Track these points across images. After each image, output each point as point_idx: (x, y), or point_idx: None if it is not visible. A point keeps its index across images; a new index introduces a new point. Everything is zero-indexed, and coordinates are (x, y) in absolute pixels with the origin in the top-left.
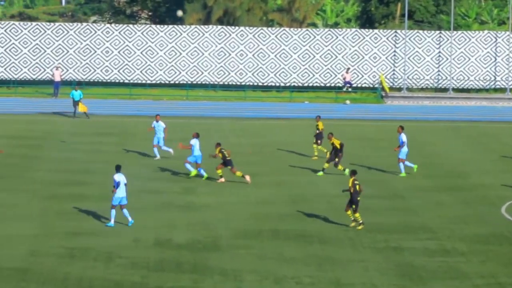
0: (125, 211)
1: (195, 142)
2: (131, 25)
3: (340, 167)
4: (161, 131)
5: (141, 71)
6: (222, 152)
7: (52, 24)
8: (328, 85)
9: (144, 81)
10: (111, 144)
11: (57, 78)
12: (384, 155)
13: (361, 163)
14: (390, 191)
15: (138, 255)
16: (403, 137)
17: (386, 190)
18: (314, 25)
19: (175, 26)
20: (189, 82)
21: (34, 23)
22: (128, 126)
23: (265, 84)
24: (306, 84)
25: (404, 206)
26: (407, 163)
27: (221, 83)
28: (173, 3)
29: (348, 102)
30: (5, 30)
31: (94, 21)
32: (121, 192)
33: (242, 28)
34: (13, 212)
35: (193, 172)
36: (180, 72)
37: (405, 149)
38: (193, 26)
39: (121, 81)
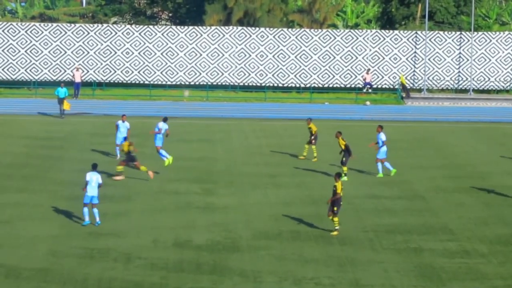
0: (95, 210)
1: (162, 125)
2: (151, 26)
3: (344, 168)
4: (125, 132)
5: (161, 72)
6: (129, 148)
7: (72, 25)
8: (348, 86)
9: (164, 82)
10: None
11: (78, 79)
12: (404, 156)
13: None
14: (411, 192)
15: (157, 256)
16: (382, 136)
17: (406, 191)
18: (334, 26)
19: (196, 27)
20: (210, 83)
21: (54, 24)
22: (148, 127)
23: (285, 85)
24: (326, 85)
25: (424, 207)
26: (386, 164)
27: (241, 84)
28: (193, 4)
29: (368, 103)
30: (25, 31)
31: (115, 22)
32: (92, 191)
33: (262, 29)
34: (35, 212)
35: (170, 159)
36: (201, 73)
37: (384, 148)
38: (213, 27)
39: (141, 82)
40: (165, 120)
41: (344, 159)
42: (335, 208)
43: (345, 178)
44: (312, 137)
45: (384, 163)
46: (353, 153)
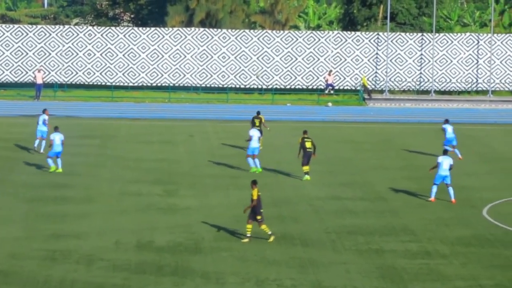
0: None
1: (53, 136)
2: (113, 28)
3: (307, 168)
4: (45, 125)
5: (123, 74)
6: None
7: (34, 26)
8: (310, 87)
9: (126, 84)
10: (93, 146)
11: (39, 81)
12: (366, 157)
13: (343, 165)
14: (372, 193)
15: (120, 258)
16: (253, 132)
17: (368, 192)
18: (296, 27)
19: (158, 28)
20: (172, 85)
21: (16, 26)
22: (110, 128)
23: (247, 86)
24: (288, 87)
25: (385, 208)
26: (249, 160)
27: (203, 85)
28: (155, 6)
29: (330, 104)
30: None
31: (76, 24)
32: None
33: (224, 30)
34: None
35: (53, 167)
36: (163, 75)
37: (254, 144)
38: (175, 29)
39: (103, 83)
40: (56, 130)
41: (304, 159)
42: (259, 217)
43: (307, 177)
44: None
45: (254, 159)
46: (318, 154)
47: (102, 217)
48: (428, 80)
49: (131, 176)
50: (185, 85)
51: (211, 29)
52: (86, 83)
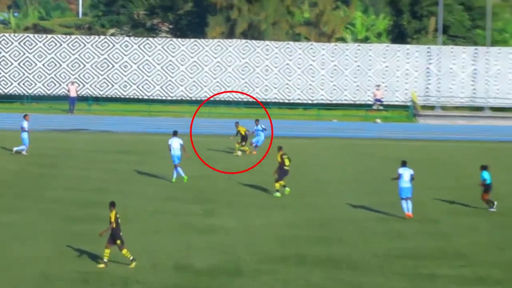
0: (178, 168)
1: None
2: (151, 39)
3: (279, 184)
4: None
5: (161, 87)
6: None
7: (68, 37)
8: (357, 102)
9: (164, 97)
10: (129, 163)
11: (73, 94)
12: (416, 176)
13: (391, 185)
14: (422, 214)
15: (156, 280)
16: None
17: (417, 214)
18: (343, 39)
19: (197, 40)
20: (212, 99)
21: (49, 36)
22: (146, 144)
23: (291, 101)
24: (334, 102)
25: (436, 230)
26: (178, 170)
27: (245, 99)
28: (195, 16)
29: (378, 120)
30: (19, 43)
31: (112, 34)
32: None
33: (267, 42)
34: (26, 232)
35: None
36: (202, 88)
37: (175, 152)
38: (216, 40)
39: (140, 97)
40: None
41: (278, 175)
42: (118, 242)
43: (277, 194)
44: (242, 138)
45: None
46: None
47: (137, 238)
48: (482, 96)
49: (168, 194)
50: (226, 99)
51: (253, 41)
52: (122, 96)
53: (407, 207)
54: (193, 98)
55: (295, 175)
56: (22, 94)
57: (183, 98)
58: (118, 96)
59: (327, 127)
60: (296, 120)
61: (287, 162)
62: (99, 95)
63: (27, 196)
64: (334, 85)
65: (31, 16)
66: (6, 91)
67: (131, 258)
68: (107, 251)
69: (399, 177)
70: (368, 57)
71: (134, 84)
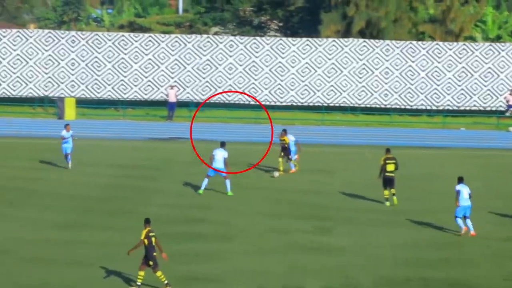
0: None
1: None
2: (258, 38)
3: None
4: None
5: (269, 91)
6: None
7: (167, 36)
8: (488, 109)
9: (272, 103)
10: (234, 176)
11: (172, 99)
12: None
13: None
14: None
15: None
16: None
17: None
18: (472, 38)
19: (309, 39)
20: (325, 104)
21: (146, 35)
22: (252, 154)
23: (414, 107)
24: (462, 108)
25: None
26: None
27: (362, 105)
28: (307, 13)
29: None
30: (113, 43)
31: (216, 33)
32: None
33: (387, 41)
34: (120, 252)
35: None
36: (315, 93)
37: (217, 164)
38: (330, 39)
39: (246, 102)
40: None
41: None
42: (151, 262)
43: (387, 203)
44: (283, 151)
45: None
46: (481, 186)
47: (241, 258)
48: None
49: (275, 210)
50: (341, 104)
51: (372, 40)
52: (227, 101)
53: (466, 224)
54: (305, 104)
55: (418, 190)
56: (116, 99)
57: (294, 103)
58: (222, 101)
59: (454, 136)
60: (419, 128)
61: (389, 167)
62: (199, 100)
63: (120, 212)
64: (462, 89)
65: (126, 13)
66: (99, 95)
67: (165, 282)
68: (141, 273)
69: (458, 194)
70: (500, 58)
71: (240, 88)
